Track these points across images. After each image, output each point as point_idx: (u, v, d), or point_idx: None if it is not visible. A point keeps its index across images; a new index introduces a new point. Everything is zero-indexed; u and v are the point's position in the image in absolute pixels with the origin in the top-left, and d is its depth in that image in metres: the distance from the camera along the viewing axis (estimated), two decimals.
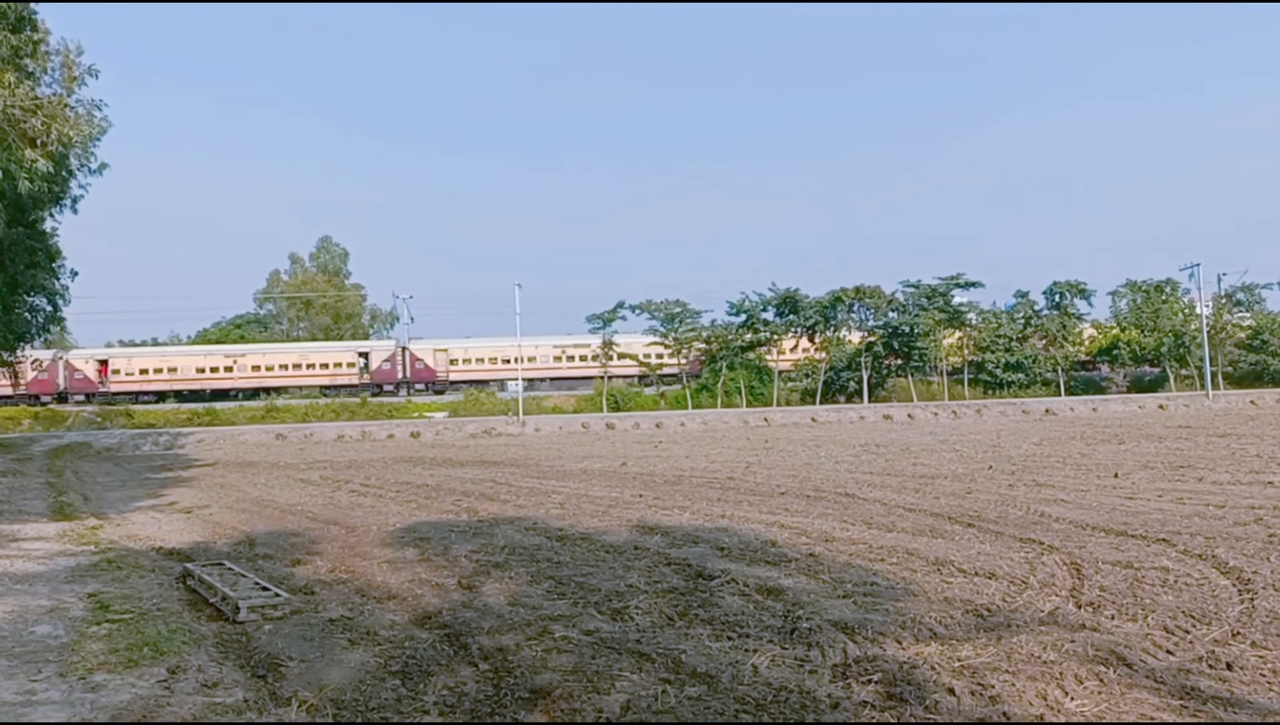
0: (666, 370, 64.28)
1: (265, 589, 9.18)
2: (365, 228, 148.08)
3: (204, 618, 8.42)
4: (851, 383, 59.52)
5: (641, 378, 65.00)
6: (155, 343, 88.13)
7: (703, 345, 61.54)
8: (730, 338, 60.46)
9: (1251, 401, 48.22)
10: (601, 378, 60.55)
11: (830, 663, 6.46)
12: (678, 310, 61.14)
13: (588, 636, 7.34)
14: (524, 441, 38.36)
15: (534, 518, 14.50)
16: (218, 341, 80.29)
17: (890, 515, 13.52)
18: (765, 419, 47.40)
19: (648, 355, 64.20)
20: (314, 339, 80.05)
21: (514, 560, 10.81)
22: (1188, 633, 6.99)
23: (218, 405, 58.45)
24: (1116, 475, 17.51)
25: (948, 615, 7.61)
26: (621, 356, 62.61)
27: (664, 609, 8.14)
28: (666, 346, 62.01)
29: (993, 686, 5.89)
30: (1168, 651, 6.56)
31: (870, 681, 6.04)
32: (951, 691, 5.82)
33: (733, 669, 6.38)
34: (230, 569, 10.39)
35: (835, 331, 60.96)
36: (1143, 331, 61.09)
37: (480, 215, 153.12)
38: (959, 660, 6.45)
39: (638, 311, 61.02)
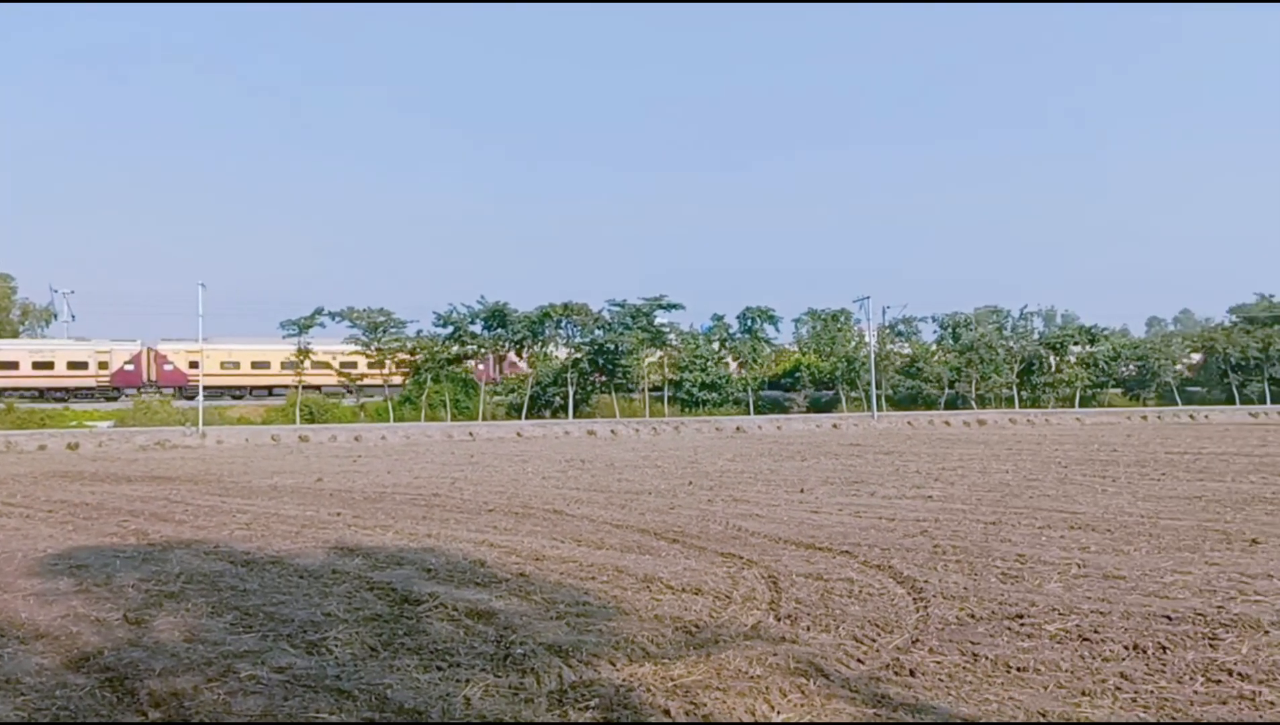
0: (368, 381, 61.94)
1: None
2: (17, 212, 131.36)
3: None
4: (557, 398, 60.20)
5: (341, 388, 62.27)
6: None
7: (407, 356, 59.82)
8: (437, 350, 59.26)
9: (909, 422, 53.90)
10: (296, 387, 57.18)
11: (546, 689, 6.25)
12: (382, 319, 59.00)
13: (279, 674, 6.66)
14: (204, 455, 35.31)
15: (216, 540, 13.21)
16: None
17: (599, 532, 13.59)
18: (470, 433, 46.80)
19: (348, 364, 61.55)
20: None
21: (192, 589, 9.72)
22: (874, 641, 7.44)
23: None
24: (802, 490, 18.75)
25: (659, 634, 7.65)
26: (318, 365, 59.57)
27: (366, 639, 7.58)
28: (369, 356, 59.68)
29: (705, 705, 5.94)
30: (859, 660, 6.93)
31: (587, 708, 5.89)
32: (667, 713, 5.80)
33: (443, 702, 6.00)
34: None
35: (543, 347, 61.46)
36: (821, 356, 66.70)
37: (164, 209, 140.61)
38: (672, 680, 6.45)
39: (338, 319, 58.18)
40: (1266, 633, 7.33)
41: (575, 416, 58.00)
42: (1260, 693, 5.98)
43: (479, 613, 8.41)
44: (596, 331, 61.12)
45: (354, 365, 61.48)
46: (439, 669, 6.75)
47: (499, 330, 59.84)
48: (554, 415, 59.24)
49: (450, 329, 59.55)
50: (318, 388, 60.73)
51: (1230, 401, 66.53)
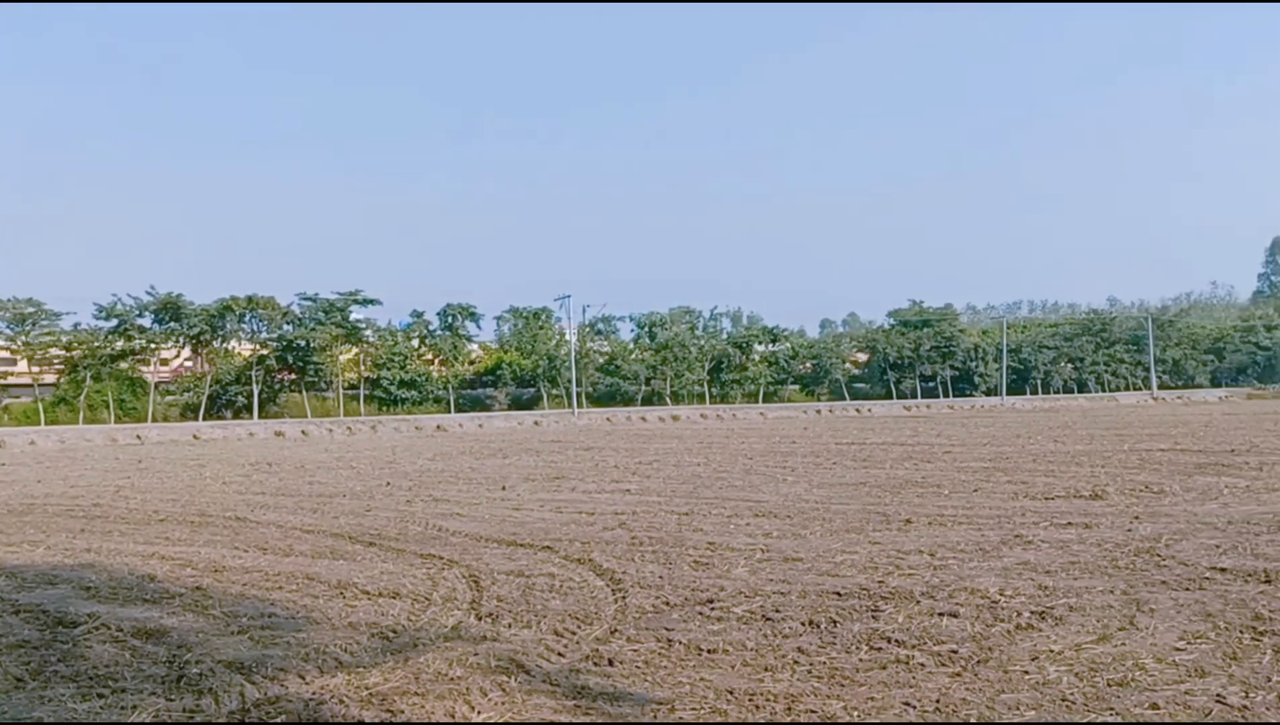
0: (15, 380, 54.71)
1: None
2: None
3: None
4: (240, 398, 56.34)
5: None
6: None
7: (63, 352, 53.41)
8: (98, 345, 53.43)
9: (608, 419, 55.56)
10: None
11: (226, 710, 5.75)
12: (31, 311, 52.27)
13: None
14: None
15: None
16: None
17: (287, 538, 12.81)
18: (138, 436, 42.69)
19: None
20: None
21: None
22: (575, 634, 7.53)
23: None
24: (504, 488, 18.72)
25: (353, 641, 7.30)
26: None
27: (10, 669, 6.64)
28: (12, 351, 52.68)
29: (402, 712, 5.72)
30: (559, 654, 6.97)
31: None
32: (361, 723, 5.53)
33: None
34: None
35: (224, 343, 57.30)
36: (523, 354, 67.32)
37: None
38: (367, 689, 6.17)
39: None
40: (918, 602, 8.20)
41: (261, 416, 54.58)
42: (913, 656, 6.66)
43: (148, 632, 7.62)
44: (285, 326, 57.84)
45: None
46: (100, 696, 6.02)
47: (173, 324, 54.99)
48: (236, 416, 55.42)
49: (115, 322, 53.94)
50: None
51: (889, 396, 74.60)
